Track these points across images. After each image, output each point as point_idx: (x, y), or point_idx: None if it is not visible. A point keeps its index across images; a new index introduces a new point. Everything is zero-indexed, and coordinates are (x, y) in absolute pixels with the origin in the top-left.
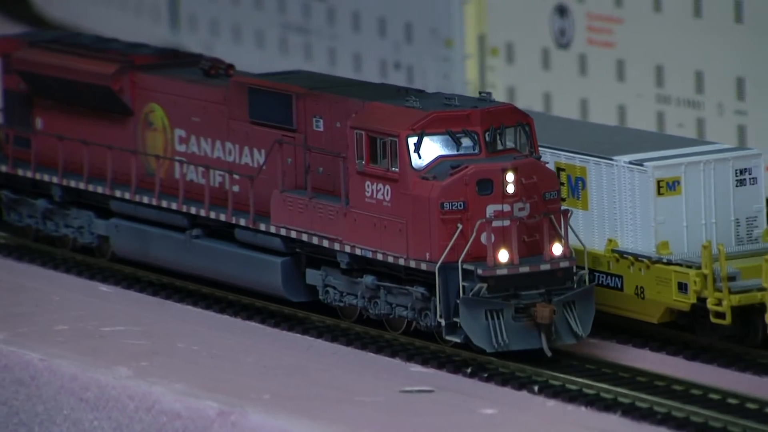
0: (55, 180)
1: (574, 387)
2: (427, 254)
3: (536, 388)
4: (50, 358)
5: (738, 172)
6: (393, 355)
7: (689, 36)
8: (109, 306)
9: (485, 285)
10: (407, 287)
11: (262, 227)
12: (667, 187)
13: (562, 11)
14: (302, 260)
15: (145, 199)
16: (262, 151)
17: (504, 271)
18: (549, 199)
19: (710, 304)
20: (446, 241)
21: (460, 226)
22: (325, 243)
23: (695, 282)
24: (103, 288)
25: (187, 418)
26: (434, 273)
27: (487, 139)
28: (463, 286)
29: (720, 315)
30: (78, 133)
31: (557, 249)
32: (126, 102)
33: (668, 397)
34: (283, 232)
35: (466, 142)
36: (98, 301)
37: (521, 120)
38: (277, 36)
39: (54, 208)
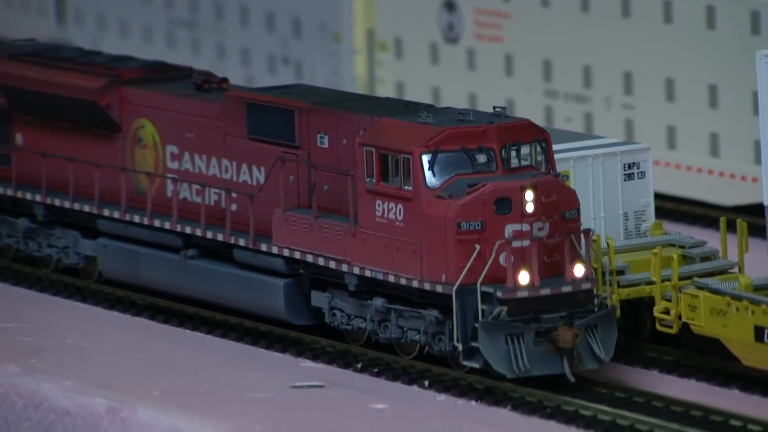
0: (38, 198)
1: (463, 382)
2: (443, 276)
3: (426, 383)
4: None
5: (626, 166)
6: (283, 350)
7: (577, 31)
8: None
9: (505, 308)
10: (420, 310)
11: (263, 248)
12: None
13: (450, 6)
14: (306, 282)
15: (136, 219)
16: (262, 168)
17: (525, 294)
18: (569, 218)
19: None
20: (463, 263)
21: (478, 247)
22: (332, 264)
23: None
24: None
25: (76, 415)
26: (450, 296)
27: (504, 156)
28: (482, 310)
29: None
30: (62, 149)
31: (579, 270)
32: (114, 118)
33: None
34: (286, 252)
35: (481, 159)
36: None
37: (538, 136)
38: (165, 31)
39: (36, 227)
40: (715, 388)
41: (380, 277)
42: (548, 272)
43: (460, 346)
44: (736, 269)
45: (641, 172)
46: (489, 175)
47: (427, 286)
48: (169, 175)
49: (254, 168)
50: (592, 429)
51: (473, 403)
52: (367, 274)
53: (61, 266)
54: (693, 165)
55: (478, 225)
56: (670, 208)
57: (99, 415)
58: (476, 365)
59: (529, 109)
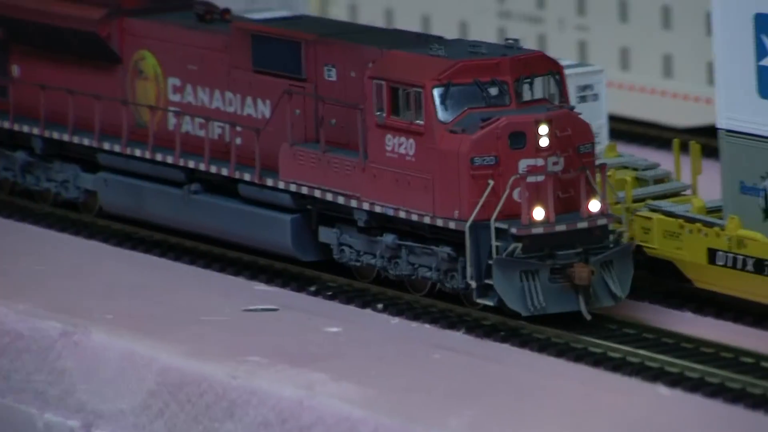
0: (36, 131)
1: (418, 306)
2: (456, 212)
3: (380, 306)
4: None
5: (580, 88)
6: (237, 273)
7: None
8: None
9: (520, 245)
10: (432, 247)
11: (270, 182)
12: None
13: None
14: (313, 217)
15: (137, 152)
16: (267, 101)
17: (540, 230)
18: (584, 152)
19: None
20: (477, 198)
21: (492, 182)
22: (341, 200)
23: None
24: None
25: (29, 338)
26: (463, 232)
27: (517, 89)
28: (496, 246)
29: None
30: (60, 81)
31: (594, 206)
32: (114, 49)
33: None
34: (293, 188)
35: (494, 92)
36: None
37: (552, 68)
38: None
39: (34, 161)
40: (668, 310)
41: (391, 213)
42: (563, 208)
43: (473, 284)
44: (689, 191)
45: (594, 95)
46: (502, 108)
47: (439, 222)
48: (172, 108)
49: (259, 101)
50: (601, 366)
51: (427, 326)
52: (377, 210)
53: (60, 200)
54: (646, 86)
55: (491, 160)
56: (623, 129)
57: (52, 338)
58: (490, 303)
59: (483, 31)
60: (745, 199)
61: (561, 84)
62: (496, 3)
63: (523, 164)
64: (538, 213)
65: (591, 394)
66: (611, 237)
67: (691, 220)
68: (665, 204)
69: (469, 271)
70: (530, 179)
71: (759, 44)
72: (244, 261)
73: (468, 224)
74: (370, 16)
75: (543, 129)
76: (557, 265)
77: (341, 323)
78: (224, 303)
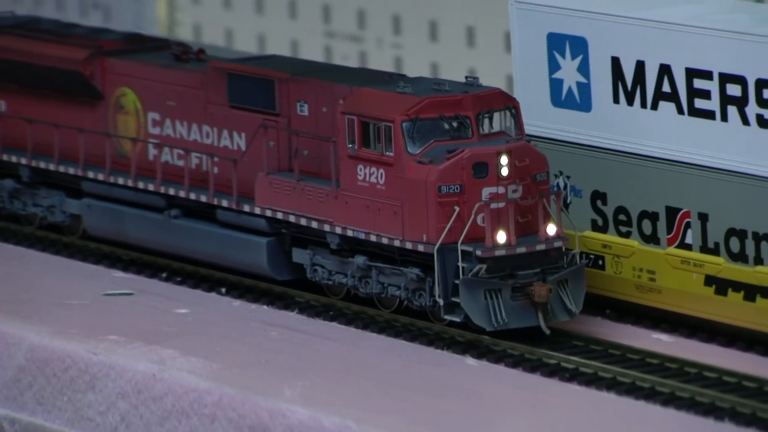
0: (23, 161)
1: (257, 288)
2: (424, 236)
3: (224, 290)
4: None
5: None
6: (97, 262)
7: None
8: None
9: (484, 266)
10: (401, 268)
11: (246, 208)
12: None
13: None
14: (287, 240)
15: (120, 180)
16: (242, 134)
17: (502, 252)
18: (540, 180)
19: None
20: (443, 224)
21: (457, 209)
22: (314, 224)
23: None
24: None
25: None
26: (431, 254)
27: (479, 123)
28: (462, 267)
29: None
30: (45, 115)
31: (551, 229)
32: (96, 86)
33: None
34: (269, 213)
35: (457, 126)
36: None
37: (508, 104)
38: None
39: (22, 188)
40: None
41: (362, 236)
42: (523, 231)
43: (441, 301)
44: None
45: None
46: (465, 141)
47: (408, 246)
48: (152, 140)
49: (235, 134)
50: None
51: (265, 307)
52: (350, 234)
53: (45, 223)
54: None
55: (457, 188)
56: None
57: None
58: (457, 319)
59: (312, 49)
60: None
61: (517, 117)
62: (322, 24)
63: (486, 192)
64: (501, 237)
65: (411, 367)
66: (566, 258)
67: None
68: None
69: (437, 290)
70: (493, 206)
71: (551, 60)
72: (103, 251)
73: (436, 247)
74: (212, 36)
75: (504, 159)
76: (518, 284)
77: (189, 305)
78: (85, 288)
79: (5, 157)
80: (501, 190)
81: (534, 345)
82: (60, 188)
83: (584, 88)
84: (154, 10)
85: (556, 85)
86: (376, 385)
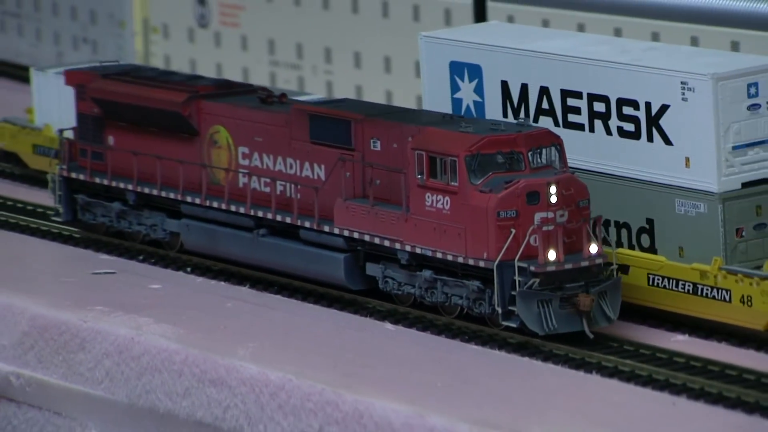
0: (130, 187)
1: (215, 268)
2: (485, 254)
3: (189, 269)
4: None
5: None
6: (86, 247)
7: (292, 18)
8: None
9: (537, 279)
10: (463, 281)
11: (326, 229)
12: None
13: (201, 1)
14: (361, 255)
15: (215, 204)
16: (322, 166)
17: (552, 268)
18: (582, 206)
19: None
20: (502, 243)
21: (513, 231)
22: (387, 243)
23: None
24: None
25: None
26: (490, 269)
27: (530, 158)
28: (519, 281)
29: None
30: (147, 149)
31: (593, 248)
32: (193, 124)
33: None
34: (346, 233)
35: (512, 160)
36: None
37: (554, 141)
38: None
39: (127, 209)
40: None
41: (429, 253)
42: (569, 250)
43: (500, 310)
44: None
45: None
46: (519, 173)
47: (470, 262)
48: (243, 170)
49: (315, 165)
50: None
51: (222, 283)
52: (418, 251)
53: (147, 239)
54: None
55: (513, 213)
56: None
57: None
58: (514, 325)
59: (260, 75)
60: None
61: (561, 153)
62: (268, 54)
63: (538, 216)
64: (551, 255)
65: (342, 331)
66: (605, 272)
67: None
68: None
69: (496, 299)
70: (544, 228)
71: (453, 83)
72: (90, 238)
73: (495, 263)
74: (179, 64)
75: (553, 189)
76: (566, 295)
77: (161, 282)
78: (77, 268)
79: (114, 184)
80: (550, 215)
81: (575, 346)
82: (161, 210)
83: (479, 106)
84: (132, 44)
85: (456, 103)
86: (316, 348)
